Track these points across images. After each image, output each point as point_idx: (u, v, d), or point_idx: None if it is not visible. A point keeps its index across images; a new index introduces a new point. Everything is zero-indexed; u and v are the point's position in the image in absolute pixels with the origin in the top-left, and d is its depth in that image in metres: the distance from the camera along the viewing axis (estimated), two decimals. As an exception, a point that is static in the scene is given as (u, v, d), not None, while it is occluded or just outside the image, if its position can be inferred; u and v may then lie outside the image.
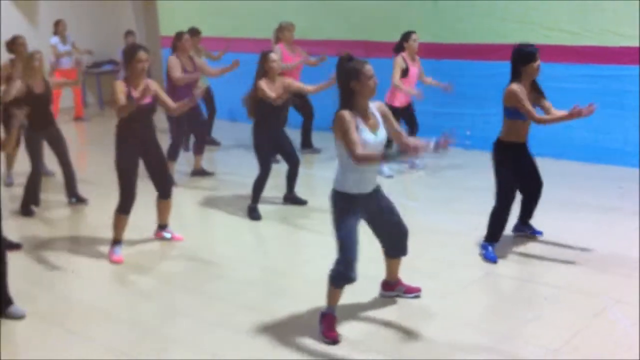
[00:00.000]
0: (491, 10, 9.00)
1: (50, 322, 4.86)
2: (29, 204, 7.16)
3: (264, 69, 6.69)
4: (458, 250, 5.87)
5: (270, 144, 6.90)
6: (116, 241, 5.96)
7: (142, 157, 5.86)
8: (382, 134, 4.30)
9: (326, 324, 4.44)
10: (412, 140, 4.29)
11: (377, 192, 4.47)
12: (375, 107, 4.37)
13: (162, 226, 6.34)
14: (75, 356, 4.38)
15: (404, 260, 4.87)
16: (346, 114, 4.16)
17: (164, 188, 6.09)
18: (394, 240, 4.65)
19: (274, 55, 6.75)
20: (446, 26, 9.43)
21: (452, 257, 5.74)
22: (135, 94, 5.57)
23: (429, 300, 4.92)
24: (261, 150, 6.84)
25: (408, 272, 4.97)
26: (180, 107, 5.96)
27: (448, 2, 9.33)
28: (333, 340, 4.36)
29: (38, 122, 6.95)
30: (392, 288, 4.95)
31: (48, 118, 7.13)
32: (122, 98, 5.51)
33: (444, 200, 7.29)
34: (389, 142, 4.42)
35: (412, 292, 4.96)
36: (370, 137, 4.21)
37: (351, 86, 4.19)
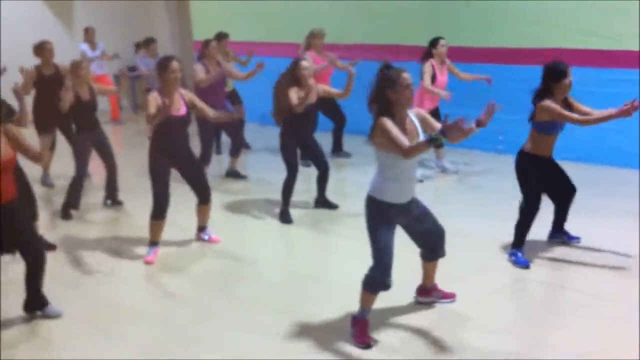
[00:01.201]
0: (523, 14, 8.94)
1: (84, 322, 4.94)
2: (69, 208, 7.27)
3: (294, 77, 6.68)
4: (489, 255, 5.84)
5: (297, 147, 6.93)
6: (152, 243, 6.08)
7: (177, 168, 5.96)
8: (420, 138, 4.28)
9: (359, 328, 4.45)
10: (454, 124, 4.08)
11: (413, 202, 4.45)
12: (413, 113, 4.35)
13: (201, 228, 6.45)
14: (108, 357, 4.45)
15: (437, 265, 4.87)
16: (386, 119, 4.15)
17: (202, 194, 6.20)
18: (431, 243, 4.63)
19: (305, 63, 6.75)
20: (477, 30, 9.39)
21: (483, 262, 5.72)
22: (167, 102, 5.65)
23: (459, 306, 4.90)
24: (287, 153, 6.88)
25: (439, 276, 4.95)
26: (220, 116, 6.11)
27: (479, 4, 9.27)
28: (366, 345, 4.37)
29: (86, 126, 7.12)
30: (429, 294, 4.94)
31: (95, 122, 7.26)
32: (153, 111, 5.59)
33: (476, 205, 7.26)
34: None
35: (448, 297, 4.95)
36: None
37: (388, 95, 4.19)
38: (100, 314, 5.10)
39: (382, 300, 4.55)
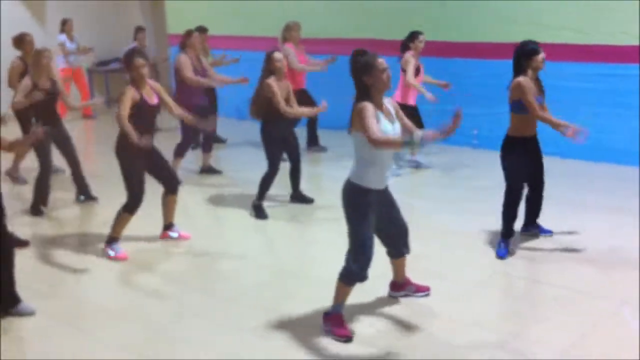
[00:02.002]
0: (498, 10, 8.99)
1: (60, 320, 4.87)
2: (38, 204, 7.17)
3: (269, 69, 6.68)
4: (466, 250, 5.86)
5: (280, 141, 6.90)
6: (116, 238, 5.96)
7: (145, 155, 5.84)
8: (398, 126, 4.30)
9: (335, 322, 4.43)
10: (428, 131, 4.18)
11: (387, 189, 4.48)
12: (388, 102, 4.36)
13: (168, 226, 6.34)
14: (85, 355, 4.39)
15: (412, 261, 4.87)
16: (367, 103, 4.13)
17: (170, 183, 6.10)
18: (396, 239, 4.63)
19: (278, 55, 6.74)
20: (453, 25, 9.42)
21: (461, 257, 5.73)
22: (145, 95, 5.66)
23: (437, 300, 4.91)
24: (270, 148, 6.85)
25: (416, 272, 4.97)
26: (189, 120, 6.13)
27: (456, 1, 9.30)
28: (347, 337, 4.36)
29: (45, 121, 6.96)
30: (402, 288, 4.95)
31: (55, 117, 7.14)
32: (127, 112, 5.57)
33: (452, 200, 7.28)
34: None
35: (422, 291, 4.95)
36: (389, 127, 4.21)
37: (365, 80, 4.17)
38: (75, 312, 5.04)
39: (357, 295, 4.54)
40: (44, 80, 6.96)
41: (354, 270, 4.31)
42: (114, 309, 5.06)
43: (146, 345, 4.51)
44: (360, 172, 4.30)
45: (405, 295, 4.94)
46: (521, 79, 5.41)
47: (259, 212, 6.91)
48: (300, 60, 8.93)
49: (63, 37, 12.00)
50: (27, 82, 6.90)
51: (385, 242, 4.65)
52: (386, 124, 4.20)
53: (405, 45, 8.04)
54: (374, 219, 4.36)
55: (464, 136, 9.37)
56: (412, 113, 7.32)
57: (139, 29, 12.06)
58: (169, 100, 5.99)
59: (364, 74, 4.17)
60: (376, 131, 4.05)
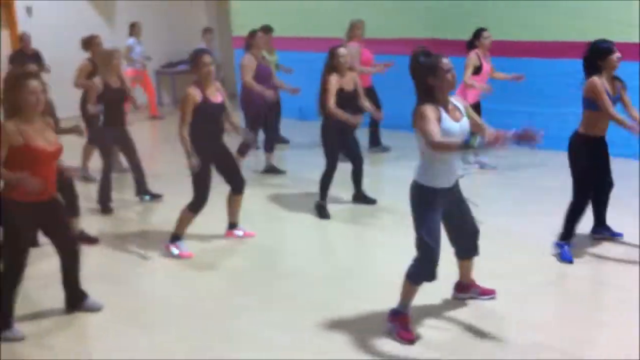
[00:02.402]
0: (566, 7, 8.77)
1: (123, 316, 4.98)
2: (105, 202, 7.34)
3: (332, 65, 6.68)
4: (529, 251, 5.75)
5: (339, 140, 6.89)
6: (179, 236, 6.04)
7: (212, 155, 5.94)
8: (465, 123, 4.24)
9: (400, 323, 4.38)
10: (494, 131, 4.14)
11: (456, 186, 4.41)
12: (455, 99, 4.32)
13: (232, 225, 6.41)
14: (147, 349, 4.47)
15: (475, 261, 4.80)
16: (427, 106, 4.10)
17: (237, 183, 6.16)
18: (465, 240, 4.57)
19: (342, 50, 6.74)
20: (519, 23, 9.23)
21: (525, 259, 5.62)
22: (209, 94, 5.74)
23: (501, 303, 4.83)
24: (328, 146, 6.85)
25: (478, 273, 4.89)
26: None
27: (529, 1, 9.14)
28: (409, 340, 4.31)
29: (111, 120, 7.17)
30: (467, 290, 4.87)
31: (122, 116, 7.31)
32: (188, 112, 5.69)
33: (517, 201, 7.15)
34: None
35: (487, 294, 4.87)
36: (454, 125, 4.15)
37: (429, 82, 4.12)
38: (138, 307, 5.14)
39: (421, 297, 4.50)
40: (114, 80, 7.14)
41: (422, 269, 4.28)
42: (176, 305, 5.14)
43: (207, 341, 4.56)
44: (425, 171, 4.27)
45: (470, 298, 4.87)
46: (596, 79, 5.26)
47: (322, 212, 6.92)
48: (366, 58, 8.90)
49: (132, 41, 12.29)
50: (97, 82, 7.08)
51: (454, 242, 4.59)
52: (450, 123, 4.14)
53: (471, 43, 7.96)
54: (441, 219, 4.31)
55: (539, 136, 9.20)
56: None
57: (206, 30, 12.25)
58: (228, 107, 6.01)
59: (429, 75, 4.12)
60: (435, 135, 4.01)
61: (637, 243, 5.74)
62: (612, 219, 5.89)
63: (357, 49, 8.81)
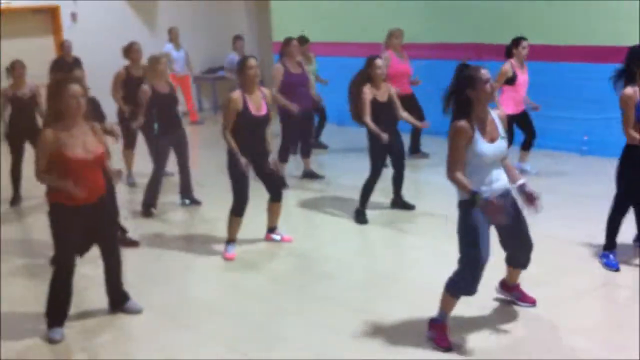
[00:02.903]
0: (608, 11, 8.64)
1: (165, 316, 5.04)
2: (149, 206, 7.43)
3: (367, 74, 6.67)
4: (573, 258, 5.67)
5: (385, 147, 6.83)
6: (230, 240, 6.15)
7: (253, 163, 5.99)
8: (501, 144, 4.19)
9: (439, 331, 4.35)
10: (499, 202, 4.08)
11: (509, 195, 4.33)
12: (496, 114, 4.28)
13: (271, 229, 6.47)
14: (187, 350, 4.53)
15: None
16: (462, 126, 4.06)
17: (275, 191, 6.22)
18: (517, 251, 4.52)
19: (379, 61, 6.72)
20: (561, 27, 9.12)
21: (567, 265, 5.55)
22: (253, 108, 5.79)
23: (542, 308, 4.76)
24: (374, 153, 6.84)
25: (522, 280, 4.83)
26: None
27: (563, 2, 9.01)
28: (446, 348, 4.27)
29: (165, 125, 7.24)
30: (509, 290, 4.83)
31: (175, 121, 7.37)
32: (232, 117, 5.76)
33: (558, 207, 7.00)
34: None
35: (527, 301, 4.80)
36: (488, 147, 4.11)
37: (468, 94, 4.09)
38: (180, 308, 5.20)
39: (462, 301, 4.45)
40: (162, 85, 7.23)
41: (462, 284, 4.23)
42: (216, 306, 5.20)
43: (245, 342, 4.60)
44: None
45: (510, 301, 4.81)
46: (628, 90, 5.13)
47: (360, 217, 6.91)
48: (399, 69, 8.86)
49: (169, 46, 12.43)
50: (145, 89, 7.15)
51: (508, 249, 4.53)
52: (484, 146, 4.10)
53: (509, 51, 7.87)
54: (487, 229, 4.21)
55: (573, 142, 9.09)
56: (510, 121, 7.12)
57: (237, 38, 12.33)
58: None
59: (466, 87, 4.08)
60: (455, 165, 4.06)
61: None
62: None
63: (387, 59, 8.75)
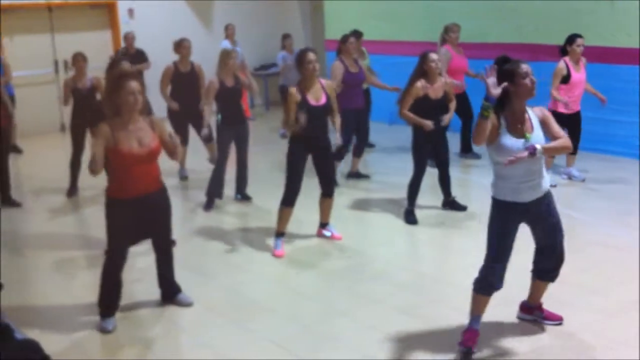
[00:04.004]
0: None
1: (215, 311, 5.11)
2: (212, 198, 7.53)
3: (422, 69, 6.64)
4: (625, 266, 5.54)
5: (428, 145, 6.83)
6: (279, 234, 6.20)
7: (312, 154, 6.06)
8: (535, 139, 4.06)
9: (469, 337, 4.29)
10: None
11: (543, 202, 4.21)
12: (534, 112, 4.19)
13: (323, 224, 6.51)
14: (236, 346, 4.58)
15: (568, 274, 4.66)
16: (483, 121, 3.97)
17: (328, 187, 6.26)
18: (544, 261, 4.39)
19: (433, 55, 6.67)
20: (622, 28, 8.90)
21: (618, 273, 5.43)
22: (312, 99, 5.83)
23: (594, 318, 4.68)
24: (417, 151, 6.82)
25: (573, 287, 4.77)
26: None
27: (625, 2, 8.81)
28: (467, 347, 4.23)
29: (229, 118, 7.34)
30: (531, 312, 4.67)
31: (238, 114, 7.48)
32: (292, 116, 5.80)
33: (614, 213, 6.89)
34: None
35: (553, 319, 4.62)
36: (514, 142, 4.04)
37: (507, 87, 4.02)
38: (230, 304, 5.26)
39: (510, 308, 4.41)
40: (229, 79, 7.33)
41: (483, 277, 4.22)
42: (265, 303, 5.24)
43: (294, 340, 4.63)
44: (495, 183, 4.22)
45: (534, 320, 4.65)
46: None
47: (409, 217, 6.89)
48: (458, 64, 8.80)
49: (226, 43, 12.55)
50: (214, 81, 7.26)
51: (536, 257, 4.44)
52: (510, 140, 4.05)
53: (563, 49, 7.71)
54: (514, 230, 4.19)
55: (626, 146, 8.89)
56: (562, 121, 6.99)
57: (285, 36, 12.39)
58: (333, 104, 6.07)
59: (506, 80, 4.02)
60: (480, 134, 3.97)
61: None
62: None
63: (447, 53, 8.73)
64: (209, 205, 7.54)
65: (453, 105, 6.91)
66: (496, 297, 4.34)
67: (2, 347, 3.12)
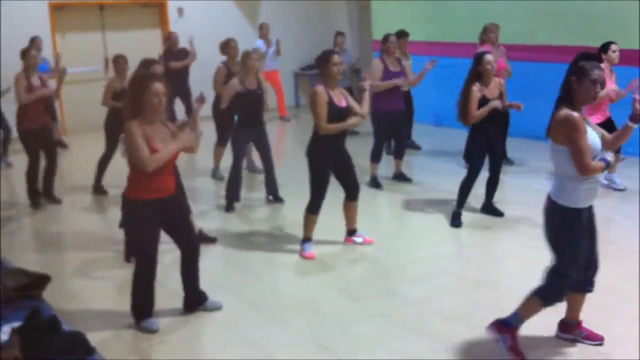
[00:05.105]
0: None
1: (256, 309, 5.15)
2: (231, 200, 7.56)
3: (477, 71, 6.58)
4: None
5: (485, 147, 6.74)
6: (306, 239, 6.17)
7: (335, 157, 6.00)
8: (594, 141, 3.95)
9: (512, 338, 4.21)
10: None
11: (591, 209, 4.12)
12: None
13: (351, 231, 6.40)
14: (277, 343, 4.62)
15: (616, 282, 4.56)
16: (576, 115, 3.86)
17: (351, 189, 6.19)
18: (585, 269, 4.17)
19: (489, 57, 6.59)
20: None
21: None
22: (336, 100, 5.81)
23: (631, 326, 4.56)
24: (473, 152, 6.77)
25: (616, 294, 4.67)
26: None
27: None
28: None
29: (245, 120, 7.39)
30: (570, 330, 4.43)
31: (255, 117, 7.48)
32: (322, 111, 5.76)
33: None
34: None
35: (594, 339, 4.38)
36: (598, 140, 3.95)
37: (572, 83, 3.91)
38: (271, 302, 5.29)
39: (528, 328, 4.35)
40: (250, 80, 7.37)
41: (554, 287, 4.09)
42: (306, 302, 5.27)
43: (334, 339, 4.63)
44: (566, 189, 3.97)
45: (573, 340, 4.45)
46: None
47: (455, 220, 6.82)
48: (498, 64, 8.69)
49: (259, 42, 12.64)
50: (235, 83, 7.33)
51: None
52: (595, 137, 3.94)
53: (598, 56, 7.50)
54: (585, 236, 4.03)
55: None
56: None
57: (338, 34, 12.44)
58: (353, 104, 6.00)
59: (574, 76, 3.91)
60: (588, 157, 3.81)
61: None
62: None
63: (502, 50, 8.65)
64: (228, 207, 7.54)
65: (507, 105, 6.84)
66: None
67: (50, 338, 3.21)
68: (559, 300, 4.16)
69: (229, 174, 7.57)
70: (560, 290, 4.11)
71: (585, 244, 4.06)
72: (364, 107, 6.01)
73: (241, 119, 7.44)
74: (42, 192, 8.05)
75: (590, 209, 4.08)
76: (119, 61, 8.10)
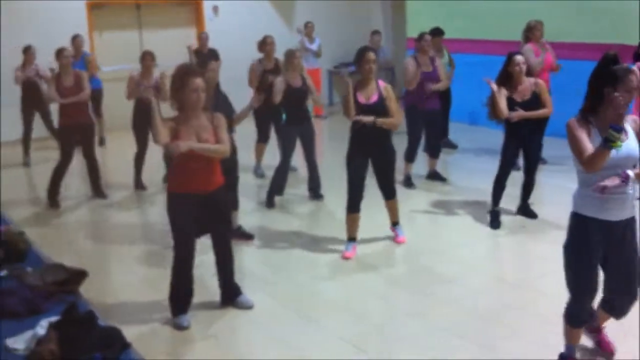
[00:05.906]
0: None
1: (289, 307, 5.17)
2: (273, 195, 7.60)
3: (507, 71, 6.50)
4: None
5: (517, 147, 6.68)
6: (350, 239, 6.18)
7: (372, 157, 6.02)
8: (628, 149, 3.64)
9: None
10: None
11: (628, 226, 3.79)
12: (628, 119, 3.74)
13: (393, 223, 6.46)
14: (309, 342, 4.63)
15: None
16: (573, 122, 3.69)
17: (386, 190, 6.22)
18: (618, 297, 3.97)
19: (519, 58, 6.50)
20: None
21: None
22: (362, 97, 5.82)
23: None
24: (505, 150, 6.70)
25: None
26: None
27: None
28: None
29: (293, 117, 7.44)
30: (592, 331, 4.28)
31: (302, 114, 7.55)
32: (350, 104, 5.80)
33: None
34: None
35: (605, 349, 4.25)
36: (637, 150, 3.70)
37: (604, 92, 3.65)
38: (304, 301, 5.30)
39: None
40: (295, 79, 7.40)
41: (572, 312, 3.94)
42: (339, 301, 5.28)
43: (366, 339, 4.64)
44: (579, 196, 3.83)
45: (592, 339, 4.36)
46: None
47: (494, 222, 6.75)
48: (545, 59, 8.55)
49: (305, 40, 12.64)
50: (280, 81, 7.37)
51: (606, 291, 3.99)
52: (636, 147, 3.72)
53: (637, 53, 7.39)
54: (596, 257, 3.79)
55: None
56: None
57: (374, 33, 12.43)
58: (392, 105, 5.92)
59: (606, 84, 3.62)
60: (586, 153, 3.58)
61: None
62: None
63: (531, 51, 8.52)
64: (269, 203, 7.58)
65: (546, 111, 6.56)
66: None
67: (86, 333, 3.25)
68: (581, 323, 3.96)
69: (276, 169, 7.62)
70: (576, 313, 3.92)
71: (607, 261, 3.83)
72: (398, 117, 5.99)
73: (289, 117, 7.51)
74: (90, 186, 8.19)
75: (614, 227, 3.75)
76: (146, 57, 8.20)
